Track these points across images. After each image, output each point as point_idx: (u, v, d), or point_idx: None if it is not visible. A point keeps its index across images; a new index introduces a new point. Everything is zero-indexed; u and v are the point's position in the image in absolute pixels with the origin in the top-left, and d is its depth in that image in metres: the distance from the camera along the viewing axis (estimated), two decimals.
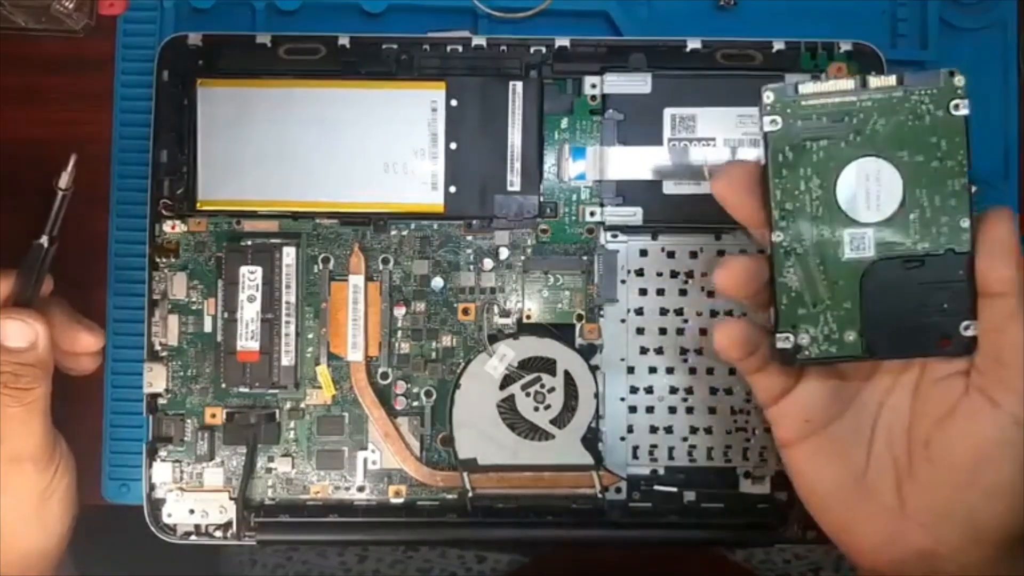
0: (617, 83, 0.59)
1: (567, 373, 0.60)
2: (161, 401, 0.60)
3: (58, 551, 0.53)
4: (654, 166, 0.59)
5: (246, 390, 0.59)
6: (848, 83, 0.43)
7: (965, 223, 0.43)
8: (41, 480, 0.51)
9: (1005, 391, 0.42)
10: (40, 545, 0.52)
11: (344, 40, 0.60)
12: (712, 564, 0.71)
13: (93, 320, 0.63)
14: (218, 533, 0.59)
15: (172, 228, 0.60)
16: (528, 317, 0.60)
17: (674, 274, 0.60)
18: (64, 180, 0.50)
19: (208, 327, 0.60)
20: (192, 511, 0.59)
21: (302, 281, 0.60)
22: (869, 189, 0.43)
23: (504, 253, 0.60)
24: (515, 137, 0.59)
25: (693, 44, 0.60)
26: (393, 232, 0.60)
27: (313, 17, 0.63)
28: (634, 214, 0.59)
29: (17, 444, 0.49)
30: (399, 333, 0.60)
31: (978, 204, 0.63)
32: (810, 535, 0.60)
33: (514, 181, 0.59)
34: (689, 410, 0.60)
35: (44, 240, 0.50)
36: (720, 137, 0.59)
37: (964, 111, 0.42)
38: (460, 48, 0.60)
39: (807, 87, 0.43)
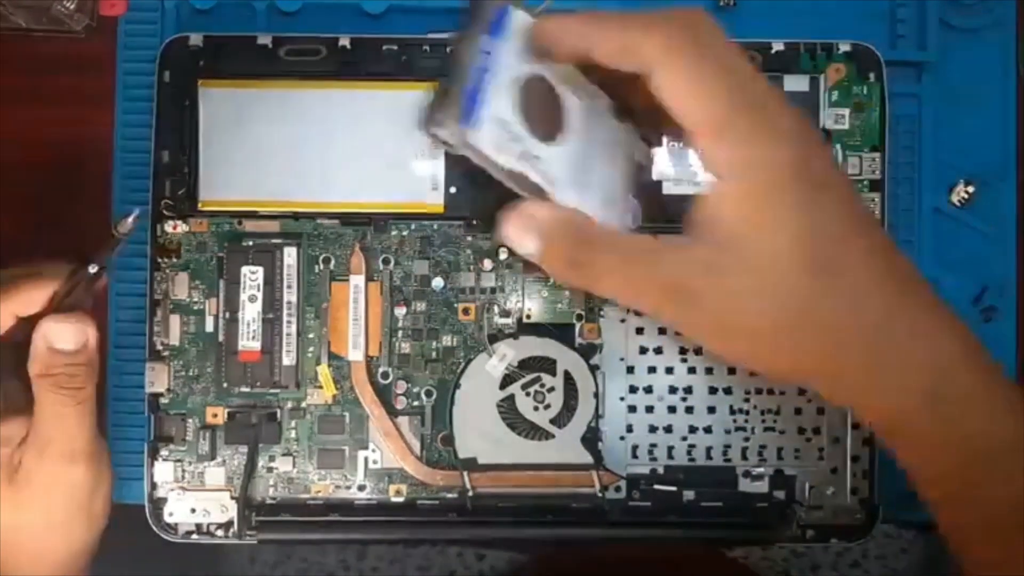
0: None
1: (567, 373, 0.60)
2: (163, 401, 0.60)
3: (95, 548, 0.54)
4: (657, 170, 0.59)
5: (247, 390, 0.59)
6: None
7: None
8: (91, 477, 0.52)
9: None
10: (87, 541, 0.54)
11: (345, 41, 0.60)
12: (710, 562, 0.71)
13: (96, 320, 0.63)
14: (219, 532, 0.59)
15: (174, 228, 0.60)
16: (528, 317, 0.60)
17: None
18: (125, 227, 0.52)
19: (209, 327, 0.60)
20: (193, 510, 0.59)
21: (303, 281, 0.60)
22: None
23: (504, 253, 0.60)
24: None
25: None
26: (394, 232, 0.60)
27: (314, 18, 0.64)
28: None
29: (73, 442, 0.51)
30: (399, 333, 0.60)
31: (975, 203, 0.64)
32: (809, 534, 0.60)
33: None
34: (688, 410, 0.60)
35: (93, 268, 0.52)
36: None
37: None
38: None
39: None
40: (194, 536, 0.60)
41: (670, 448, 0.60)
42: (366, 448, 0.60)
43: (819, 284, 0.43)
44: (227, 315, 0.59)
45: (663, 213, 0.59)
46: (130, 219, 0.52)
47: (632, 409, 0.60)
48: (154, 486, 0.59)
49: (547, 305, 0.60)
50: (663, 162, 0.59)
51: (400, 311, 0.60)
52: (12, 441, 0.52)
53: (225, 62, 0.60)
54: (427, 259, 0.60)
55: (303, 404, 0.60)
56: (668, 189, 0.59)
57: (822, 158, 0.46)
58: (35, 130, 0.64)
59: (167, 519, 0.59)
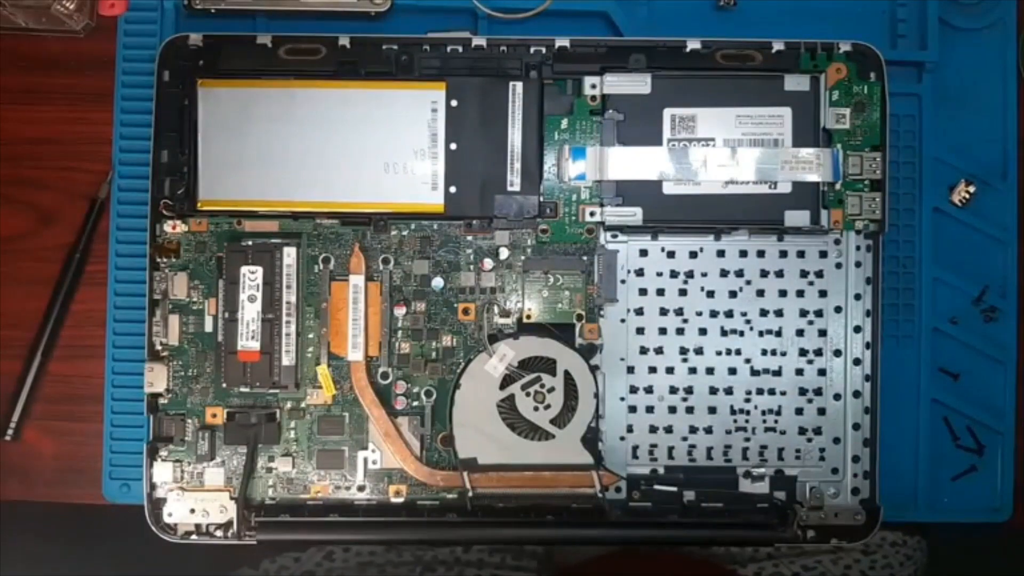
0: (617, 83, 0.59)
1: (567, 373, 0.60)
2: (162, 401, 0.60)
3: None
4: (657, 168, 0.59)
5: (247, 390, 0.59)
6: None
7: None
8: None
9: None
10: None
11: (344, 40, 0.60)
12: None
13: (95, 320, 0.63)
14: (219, 533, 0.59)
15: (173, 228, 0.60)
16: (528, 317, 0.60)
17: (674, 274, 0.60)
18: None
19: (209, 327, 0.60)
20: (193, 511, 0.59)
21: (302, 281, 0.60)
22: None
23: (504, 253, 0.60)
24: (515, 137, 0.59)
25: (693, 44, 0.60)
26: (393, 232, 0.60)
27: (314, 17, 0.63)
28: (634, 214, 0.59)
29: None
30: (399, 333, 0.60)
31: (976, 203, 0.64)
32: (810, 535, 0.60)
33: (514, 181, 0.59)
34: (689, 410, 0.60)
35: None
36: (720, 137, 0.59)
37: None
38: (460, 48, 0.60)
39: None
40: (193, 537, 0.59)
41: (670, 448, 0.60)
42: (366, 448, 0.60)
43: None
44: (226, 315, 0.59)
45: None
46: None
47: (632, 409, 0.60)
48: (153, 486, 0.59)
49: (547, 305, 0.60)
50: (663, 161, 0.59)
51: (400, 311, 0.60)
52: None
53: (225, 62, 0.59)
54: (427, 259, 0.60)
55: (302, 404, 0.60)
56: (668, 189, 0.59)
57: None
58: (35, 129, 0.64)
59: (166, 519, 0.59)
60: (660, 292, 0.60)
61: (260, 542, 0.59)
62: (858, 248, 0.60)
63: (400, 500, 0.60)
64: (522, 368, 0.60)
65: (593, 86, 0.60)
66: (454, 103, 0.59)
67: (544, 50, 0.60)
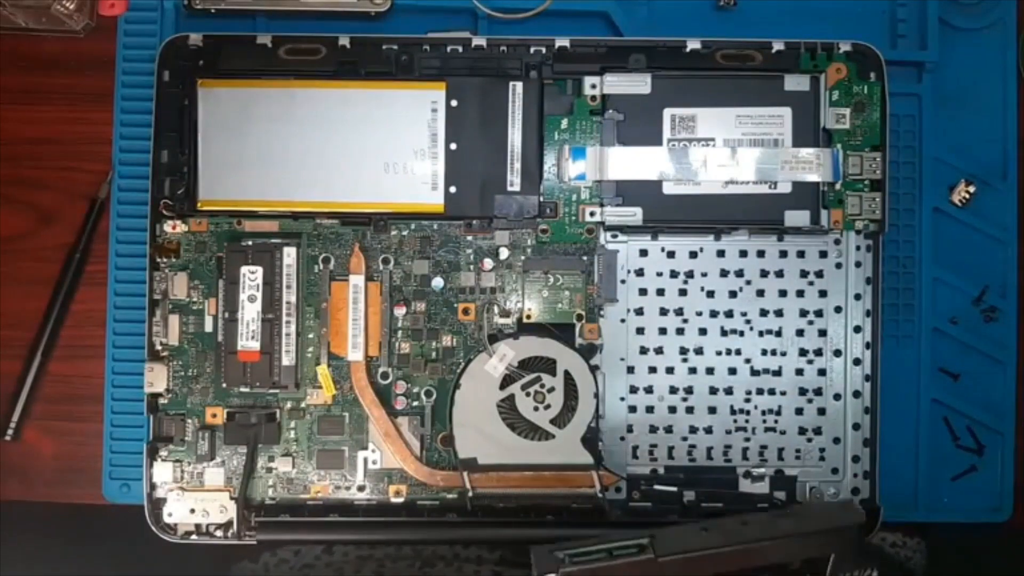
0: (617, 83, 0.59)
1: (567, 373, 0.60)
2: (162, 401, 0.60)
3: None
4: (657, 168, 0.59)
5: (247, 390, 0.59)
6: None
7: None
8: None
9: None
10: None
11: (344, 40, 0.60)
12: None
13: (95, 320, 0.63)
14: (219, 533, 0.59)
15: (173, 228, 0.60)
16: (528, 317, 0.60)
17: (674, 274, 0.60)
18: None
19: (209, 327, 0.60)
20: (193, 511, 0.59)
21: (302, 281, 0.60)
22: None
23: (504, 253, 0.60)
24: (515, 137, 0.59)
25: (693, 44, 0.60)
26: (393, 232, 0.60)
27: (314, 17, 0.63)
28: (634, 214, 0.59)
29: None
30: (399, 333, 0.60)
31: (976, 203, 0.64)
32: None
33: (514, 181, 0.59)
34: (689, 410, 0.60)
35: None
36: (720, 137, 0.59)
37: None
38: (460, 48, 0.60)
39: None
40: (193, 537, 0.59)
41: (670, 448, 0.60)
42: (366, 448, 0.60)
43: None
44: (226, 315, 0.59)
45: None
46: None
47: (632, 409, 0.60)
48: (153, 487, 0.59)
49: (547, 305, 0.60)
50: (663, 161, 0.59)
51: (400, 311, 0.60)
52: None
53: (225, 62, 0.59)
54: (427, 259, 0.60)
55: (302, 404, 0.60)
56: (668, 189, 0.59)
57: None
58: (35, 129, 0.64)
59: (166, 519, 0.59)
60: (660, 292, 0.60)
61: (260, 542, 0.59)
62: (858, 248, 0.60)
63: (400, 500, 0.60)
64: (522, 368, 0.60)
65: (593, 86, 0.60)
66: (454, 103, 0.59)
67: (544, 50, 0.60)
